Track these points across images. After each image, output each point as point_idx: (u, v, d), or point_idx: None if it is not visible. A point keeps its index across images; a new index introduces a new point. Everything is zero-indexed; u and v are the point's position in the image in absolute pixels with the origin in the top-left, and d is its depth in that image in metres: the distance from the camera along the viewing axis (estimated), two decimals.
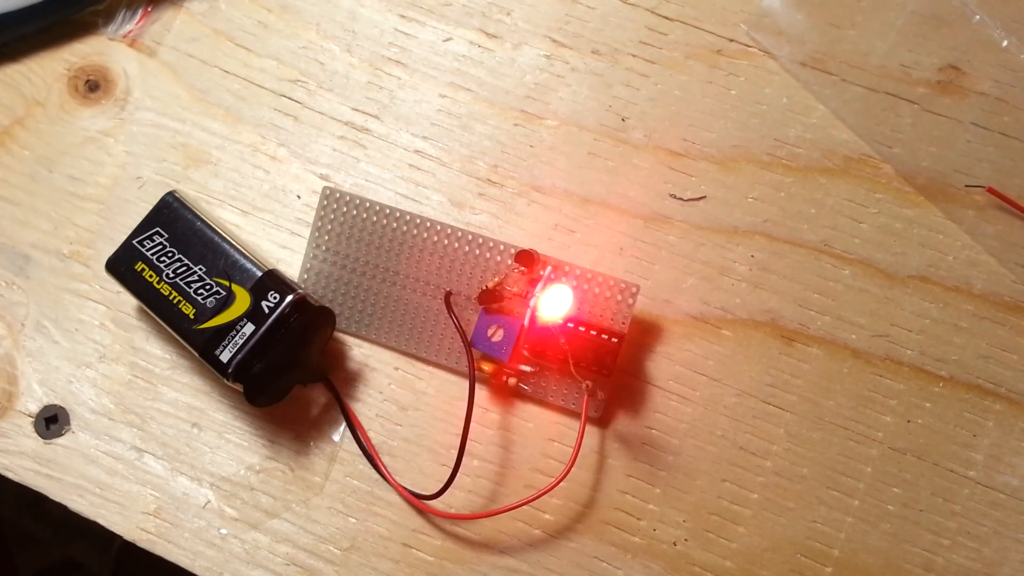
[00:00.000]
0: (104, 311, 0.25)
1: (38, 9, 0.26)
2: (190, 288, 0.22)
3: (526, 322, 0.22)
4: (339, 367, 0.24)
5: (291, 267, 0.24)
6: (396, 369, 0.24)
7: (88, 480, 0.24)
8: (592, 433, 0.23)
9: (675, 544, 0.22)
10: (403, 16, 0.26)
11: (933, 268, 0.23)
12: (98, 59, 0.27)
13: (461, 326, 0.23)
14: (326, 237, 0.24)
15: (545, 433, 0.23)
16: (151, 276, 0.23)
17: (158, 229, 0.23)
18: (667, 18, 0.25)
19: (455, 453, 0.22)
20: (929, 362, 0.22)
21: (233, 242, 0.23)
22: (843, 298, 0.23)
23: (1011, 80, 0.23)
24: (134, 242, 0.23)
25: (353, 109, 0.25)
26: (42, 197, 0.26)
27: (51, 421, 0.24)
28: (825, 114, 0.24)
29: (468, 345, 0.22)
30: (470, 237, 0.23)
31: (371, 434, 0.23)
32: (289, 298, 0.22)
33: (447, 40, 0.26)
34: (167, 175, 0.26)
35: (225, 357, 0.22)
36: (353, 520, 0.23)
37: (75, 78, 0.27)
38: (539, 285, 0.22)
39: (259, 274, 0.22)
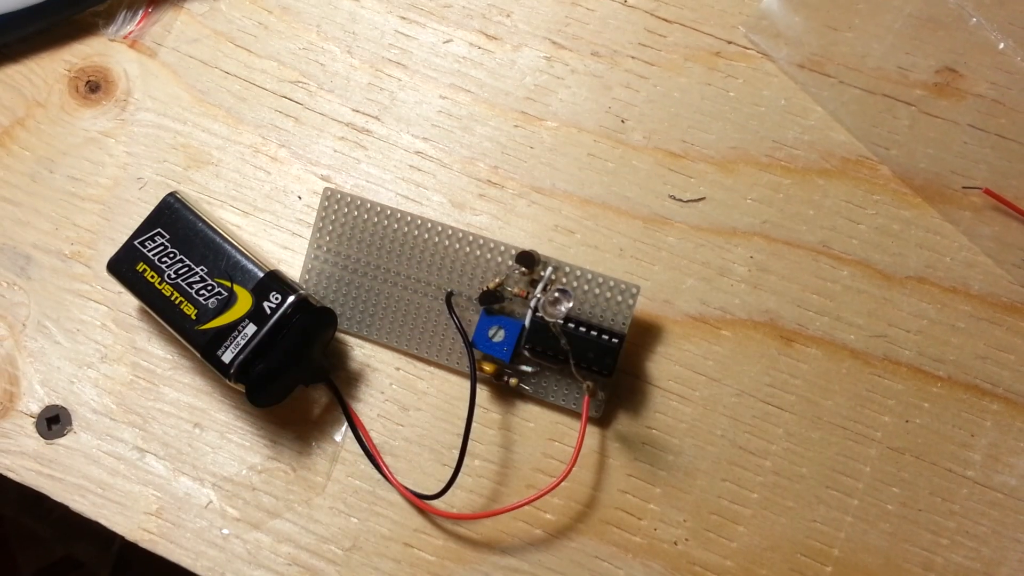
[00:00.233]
0: (105, 311, 0.25)
1: (39, 10, 0.26)
2: (192, 289, 0.23)
3: (527, 322, 0.22)
4: (341, 367, 0.24)
5: (292, 268, 0.25)
6: (397, 369, 0.24)
7: (90, 480, 0.24)
8: (593, 433, 0.23)
9: (676, 543, 0.22)
10: (403, 18, 0.26)
11: (931, 269, 0.23)
12: (99, 60, 0.27)
13: (462, 326, 0.23)
14: (327, 238, 0.24)
15: (546, 433, 0.23)
16: (153, 277, 0.23)
17: (159, 230, 0.23)
18: (666, 20, 0.25)
19: (456, 453, 0.22)
20: (927, 362, 0.22)
21: (234, 243, 0.23)
22: (841, 299, 0.23)
23: (1008, 82, 0.24)
24: (135, 243, 0.23)
25: (354, 110, 0.26)
26: (43, 198, 0.26)
27: (53, 421, 0.24)
28: (823, 116, 0.24)
29: (469, 345, 0.22)
30: (471, 238, 0.23)
31: (373, 434, 0.23)
32: (291, 299, 0.22)
33: (447, 42, 0.26)
34: (168, 176, 0.26)
35: (227, 358, 0.22)
36: (355, 520, 0.23)
37: (76, 79, 0.27)
38: (540, 286, 0.22)
39: (261, 275, 0.22)
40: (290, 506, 0.23)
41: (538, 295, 0.22)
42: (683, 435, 0.23)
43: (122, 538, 0.23)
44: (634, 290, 0.22)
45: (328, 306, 0.23)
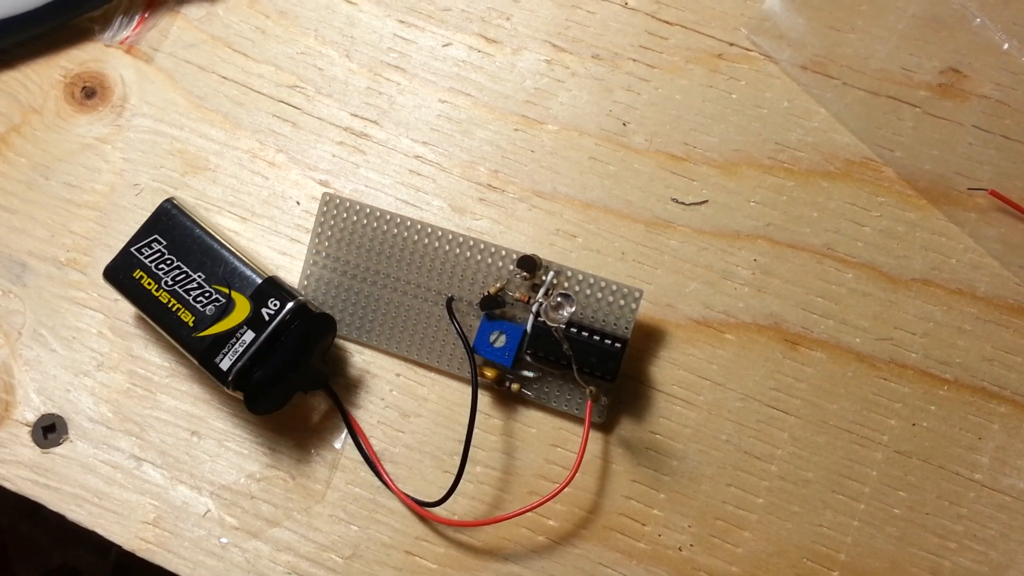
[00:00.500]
0: (102, 319, 0.25)
1: (34, 15, 0.26)
2: (189, 295, 0.22)
3: (528, 327, 0.22)
4: (340, 374, 0.24)
5: (291, 274, 0.24)
6: (398, 375, 0.24)
7: (86, 489, 0.23)
8: (596, 438, 0.22)
9: (680, 549, 0.22)
10: (402, 21, 0.26)
11: (936, 271, 0.23)
12: (95, 66, 0.26)
13: (463, 332, 0.22)
14: (326, 243, 0.24)
15: (548, 439, 0.23)
16: (150, 284, 0.23)
17: (156, 236, 0.23)
18: (667, 22, 0.25)
19: (457, 460, 0.22)
20: (933, 365, 0.22)
21: (232, 249, 0.23)
22: (846, 302, 0.23)
23: (1012, 83, 0.23)
24: (132, 249, 0.23)
25: (352, 115, 0.25)
26: (39, 205, 0.26)
27: (49, 430, 0.24)
28: (826, 118, 0.24)
29: (470, 351, 0.22)
30: (471, 242, 0.23)
31: (373, 441, 0.23)
32: (289, 305, 0.22)
33: (446, 45, 0.26)
34: (165, 182, 0.25)
35: (225, 365, 0.21)
36: (355, 528, 0.23)
37: (71, 85, 0.26)
38: (541, 290, 0.22)
39: (259, 281, 0.22)
40: (289, 514, 0.23)
41: (540, 300, 0.22)
42: (687, 440, 0.22)
43: (119, 546, 0.23)
44: (637, 294, 0.22)
45: (327, 312, 0.23)
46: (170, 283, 0.22)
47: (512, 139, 0.25)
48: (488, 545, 0.22)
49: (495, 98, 0.25)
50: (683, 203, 0.24)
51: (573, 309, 0.19)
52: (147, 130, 0.26)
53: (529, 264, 0.22)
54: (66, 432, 0.24)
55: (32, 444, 0.24)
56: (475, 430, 0.22)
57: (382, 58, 0.26)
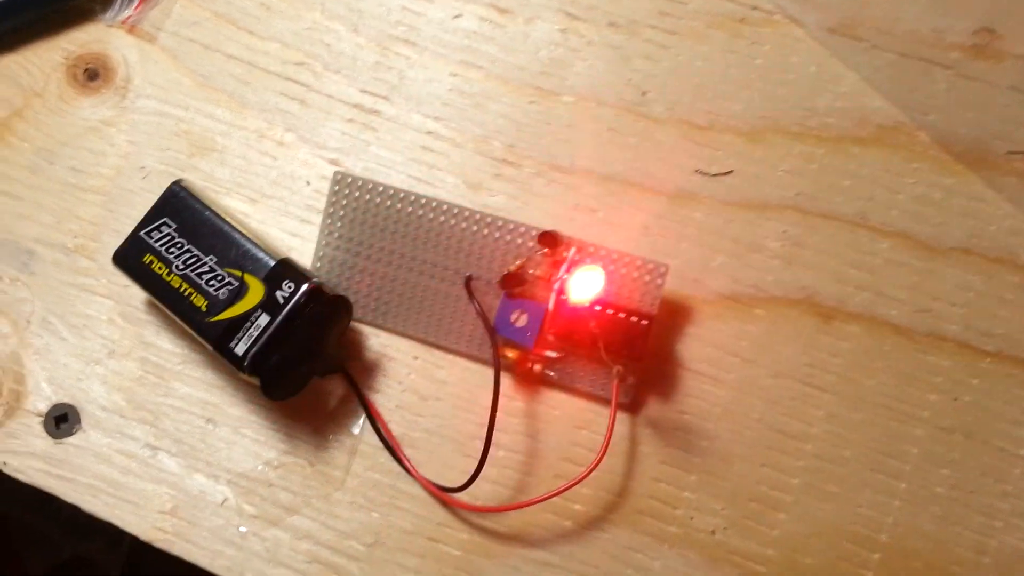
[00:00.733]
0: (112, 305, 0.24)
1: None
2: (201, 279, 0.22)
3: (551, 306, 0.21)
4: (357, 357, 0.23)
5: (303, 256, 0.24)
6: (416, 358, 0.23)
7: (101, 480, 0.23)
8: (623, 419, 0.22)
9: (713, 533, 0.21)
10: None
11: (975, 239, 0.22)
12: (96, 47, 0.26)
13: (483, 312, 0.22)
14: (339, 223, 0.23)
15: (573, 421, 0.22)
16: (160, 268, 0.22)
17: (166, 219, 0.22)
18: None
19: (479, 444, 0.21)
20: (974, 337, 0.21)
21: (244, 231, 0.22)
22: (882, 272, 0.22)
23: None
24: (141, 234, 0.22)
25: (361, 91, 0.25)
26: (43, 190, 0.25)
27: (61, 420, 0.23)
28: (856, 82, 0.23)
29: (491, 331, 0.21)
30: (489, 220, 0.22)
31: (392, 426, 0.22)
32: (304, 287, 0.21)
33: (457, 16, 0.25)
34: (171, 164, 0.25)
35: (240, 349, 0.21)
36: (376, 515, 0.22)
37: (73, 67, 0.26)
38: (563, 267, 0.21)
39: (272, 263, 0.21)
40: (308, 502, 0.22)
41: (563, 276, 0.21)
42: (718, 420, 0.21)
43: (132, 537, 0.23)
44: (662, 269, 0.21)
45: (342, 294, 0.22)
46: (181, 267, 0.22)
47: (527, 112, 0.24)
48: (513, 531, 0.22)
49: (508, 70, 0.24)
50: (708, 174, 0.23)
51: (601, 284, 0.18)
52: (152, 111, 0.25)
53: (551, 240, 0.21)
54: (79, 422, 0.23)
55: (45, 434, 0.23)
56: (498, 413, 0.21)
57: (391, 32, 0.25)
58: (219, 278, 0.22)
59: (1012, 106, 0.22)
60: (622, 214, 0.23)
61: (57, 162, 0.25)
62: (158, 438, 0.23)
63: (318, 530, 0.22)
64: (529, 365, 0.22)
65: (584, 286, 0.19)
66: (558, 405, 0.22)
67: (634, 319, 0.21)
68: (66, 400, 0.24)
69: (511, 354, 0.22)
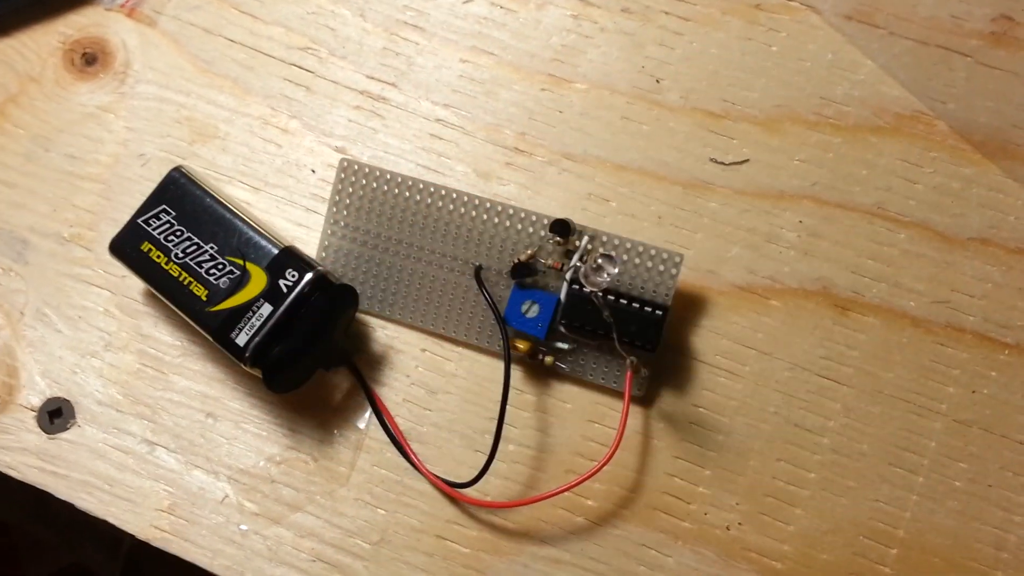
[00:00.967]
0: (108, 296, 0.23)
1: None
2: (201, 268, 0.21)
3: (563, 296, 0.21)
4: (363, 350, 0.22)
5: (308, 246, 0.23)
6: (423, 351, 0.22)
7: (96, 476, 0.22)
8: (636, 413, 0.21)
9: (728, 528, 0.21)
10: None
11: (994, 229, 0.21)
12: (95, 31, 0.25)
13: (493, 302, 0.21)
14: (344, 212, 0.23)
15: (585, 414, 0.21)
16: (159, 257, 0.21)
17: (165, 207, 0.22)
18: None
19: (489, 438, 0.21)
20: (993, 328, 0.21)
21: (246, 218, 0.21)
22: (899, 263, 0.21)
23: None
24: (139, 221, 0.22)
25: (368, 77, 0.24)
26: (39, 178, 0.24)
27: (55, 415, 0.23)
28: (874, 70, 0.22)
29: (502, 322, 0.21)
30: (499, 208, 0.22)
31: (399, 420, 0.22)
32: (308, 276, 0.21)
33: (467, 1, 0.24)
34: (172, 151, 0.24)
35: (241, 340, 0.20)
36: (382, 512, 0.21)
37: (71, 52, 0.25)
38: (575, 256, 0.21)
39: (275, 251, 0.21)
40: (312, 498, 0.22)
41: (576, 264, 0.21)
42: (733, 413, 0.21)
43: (131, 542, 0.22)
44: (677, 259, 0.21)
45: (348, 284, 0.22)
46: (180, 255, 0.21)
47: (539, 99, 0.23)
48: (523, 527, 0.21)
49: (520, 57, 0.24)
50: (723, 163, 0.22)
51: (616, 271, 0.18)
52: (152, 97, 0.24)
53: (563, 228, 0.21)
54: (73, 416, 0.23)
55: (38, 430, 0.23)
56: (507, 406, 0.21)
57: (398, 16, 0.24)
58: (220, 267, 0.21)
59: None
60: (636, 204, 0.22)
61: (53, 149, 0.24)
62: (156, 433, 0.22)
63: (322, 528, 0.22)
64: (540, 357, 0.21)
65: (598, 273, 0.18)
66: (570, 398, 0.22)
67: (648, 310, 0.20)
68: (60, 394, 0.23)
69: (522, 346, 0.21)
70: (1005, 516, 0.20)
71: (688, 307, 0.22)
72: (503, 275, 0.22)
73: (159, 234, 0.21)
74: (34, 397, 0.23)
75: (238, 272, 0.21)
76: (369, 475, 0.22)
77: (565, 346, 0.21)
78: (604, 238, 0.21)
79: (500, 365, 0.21)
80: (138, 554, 0.22)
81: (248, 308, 0.20)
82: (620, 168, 0.23)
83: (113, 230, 0.22)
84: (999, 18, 0.23)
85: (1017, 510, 0.20)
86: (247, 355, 0.20)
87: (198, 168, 0.24)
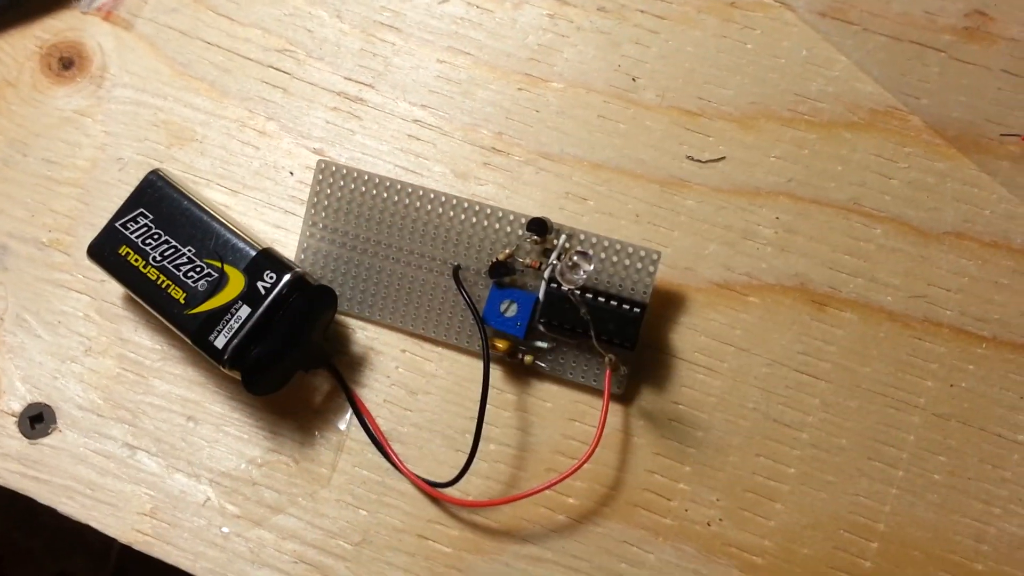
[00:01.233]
0: (88, 301, 0.23)
1: None
2: (179, 271, 0.21)
3: (541, 294, 0.21)
4: (343, 351, 0.22)
5: (287, 248, 0.23)
6: (403, 351, 0.22)
7: (78, 481, 0.22)
8: (615, 411, 0.21)
9: (709, 524, 0.21)
10: None
11: (969, 223, 0.21)
12: (71, 35, 0.25)
13: (472, 302, 0.21)
14: (323, 214, 0.23)
15: (565, 413, 0.21)
16: (137, 260, 0.21)
17: (142, 210, 0.22)
18: None
19: (470, 438, 0.21)
20: (970, 322, 0.21)
21: (224, 221, 0.21)
22: (875, 258, 0.21)
23: None
24: (117, 225, 0.22)
25: (346, 78, 0.24)
26: (17, 183, 0.24)
27: (36, 420, 0.23)
28: (848, 66, 0.23)
29: (480, 322, 0.21)
30: (477, 208, 0.22)
31: (379, 421, 0.22)
32: (287, 277, 0.21)
33: (443, 2, 0.24)
34: (149, 155, 0.24)
35: (220, 342, 0.20)
36: (364, 512, 0.21)
37: (48, 55, 0.25)
38: (553, 254, 0.21)
39: (253, 253, 0.21)
40: (294, 500, 0.22)
41: (553, 262, 0.21)
42: (712, 409, 0.21)
43: (118, 550, 0.22)
44: (655, 256, 0.21)
45: (327, 285, 0.22)
46: (158, 259, 0.21)
47: (516, 99, 0.23)
48: (505, 526, 0.21)
49: (496, 56, 0.24)
50: (699, 160, 0.22)
51: (592, 267, 0.18)
52: (129, 101, 0.24)
53: (540, 226, 0.21)
54: (54, 421, 0.23)
55: (19, 435, 0.23)
56: (487, 406, 0.21)
57: (375, 17, 0.24)
58: (198, 269, 0.21)
59: (1005, 89, 0.22)
60: (613, 202, 0.22)
61: (31, 154, 0.24)
62: (137, 437, 0.22)
63: (304, 529, 0.21)
64: (520, 356, 0.21)
65: (574, 271, 0.18)
66: (550, 397, 0.22)
67: (626, 307, 0.20)
68: (41, 399, 0.23)
69: (501, 345, 0.21)
70: (984, 508, 0.20)
71: (666, 304, 0.22)
72: (481, 275, 0.22)
73: (137, 238, 0.21)
74: (15, 402, 0.23)
75: (216, 275, 0.21)
76: (350, 476, 0.22)
77: (544, 345, 0.21)
78: (582, 236, 0.21)
79: (480, 365, 0.21)
80: (126, 561, 0.21)
81: (226, 310, 0.20)
82: (597, 167, 0.23)
83: (91, 234, 0.22)
84: (972, 13, 0.23)
85: (996, 502, 0.20)
86: (226, 357, 0.20)
87: (176, 171, 0.24)
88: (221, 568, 0.21)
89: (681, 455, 0.21)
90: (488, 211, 0.22)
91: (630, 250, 0.21)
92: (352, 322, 0.23)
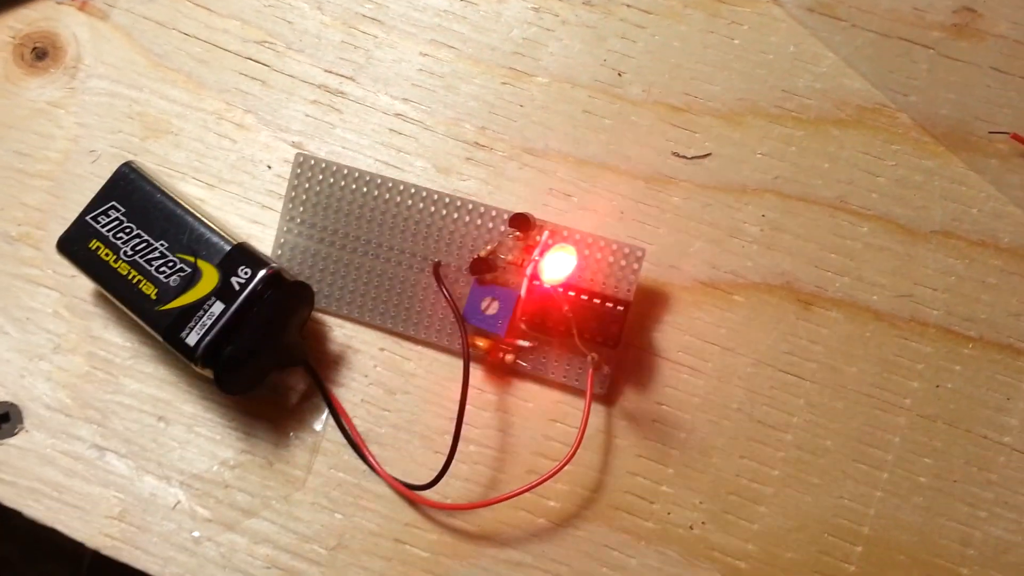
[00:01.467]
0: (57, 297, 0.23)
1: None
2: (151, 266, 0.20)
3: (523, 292, 0.20)
4: (319, 349, 0.22)
5: (263, 243, 0.22)
6: (382, 350, 0.22)
7: (45, 483, 0.22)
8: (598, 411, 0.21)
9: (691, 528, 0.20)
10: None
11: (956, 222, 0.21)
12: (45, 24, 0.24)
13: (452, 299, 0.21)
14: (301, 208, 0.22)
15: (547, 413, 0.21)
16: (107, 255, 0.21)
17: (114, 203, 0.21)
18: None
19: (449, 439, 0.20)
20: (957, 322, 0.21)
21: (198, 215, 0.21)
22: (862, 257, 0.21)
23: None
24: (87, 218, 0.21)
25: (326, 71, 0.23)
26: None
27: (3, 420, 0.22)
28: (836, 62, 0.22)
29: (461, 320, 0.20)
30: (458, 203, 0.21)
31: (356, 421, 0.21)
32: (261, 272, 0.20)
33: None
34: (123, 147, 0.23)
35: (192, 340, 0.20)
36: (339, 516, 0.21)
37: (21, 46, 0.24)
38: (536, 251, 0.20)
39: (228, 248, 0.20)
40: (267, 503, 0.21)
41: (536, 259, 0.20)
42: (696, 410, 0.21)
43: (91, 556, 0.21)
44: (639, 253, 0.20)
45: (303, 281, 0.21)
46: (130, 253, 0.21)
47: (500, 93, 0.23)
48: (484, 530, 0.21)
49: (480, 50, 0.23)
50: (685, 157, 0.22)
51: (574, 263, 0.17)
52: (103, 92, 0.24)
53: (523, 222, 0.20)
54: (21, 421, 0.22)
55: None
56: (467, 406, 0.20)
57: (357, 9, 0.24)
58: (170, 264, 0.20)
59: (994, 86, 0.22)
60: (597, 198, 0.22)
61: (1, 146, 0.24)
62: (106, 438, 0.22)
63: (277, 533, 0.21)
64: (500, 355, 0.21)
65: (556, 266, 0.18)
66: (531, 397, 0.21)
67: (609, 305, 0.20)
68: (8, 398, 0.22)
69: (482, 343, 0.21)
70: (970, 512, 0.20)
71: (650, 303, 0.21)
72: (462, 272, 0.21)
73: (108, 231, 0.21)
74: None
75: (189, 270, 0.20)
76: (326, 478, 0.21)
77: (526, 343, 0.21)
78: (565, 233, 0.21)
79: (460, 363, 0.20)
80: (100, 569, 0.21)
81: (199, 307, 0.20)
82: (582, 162, 0.22)
83: (62, 229, 0.21)
84: (961, 10, 0.22)
85: (982, 505, 0.20)
86: (198, 355, 0.20)
87: (151, 164, 0.23)
88: (191, 573, 0.21)
89: (664, 457, 0.21)
90: (470, 207, 0.21)
91: (614, 247, 0.21)
92: (329, 319, 0.22)
